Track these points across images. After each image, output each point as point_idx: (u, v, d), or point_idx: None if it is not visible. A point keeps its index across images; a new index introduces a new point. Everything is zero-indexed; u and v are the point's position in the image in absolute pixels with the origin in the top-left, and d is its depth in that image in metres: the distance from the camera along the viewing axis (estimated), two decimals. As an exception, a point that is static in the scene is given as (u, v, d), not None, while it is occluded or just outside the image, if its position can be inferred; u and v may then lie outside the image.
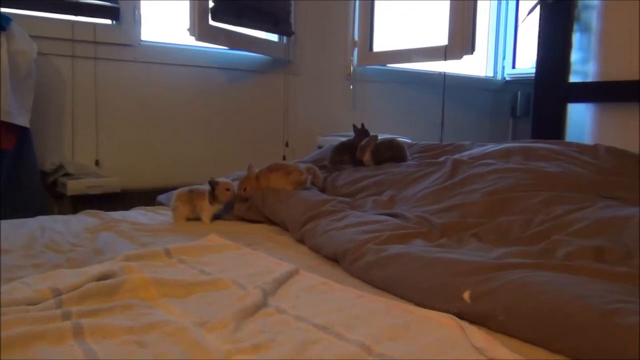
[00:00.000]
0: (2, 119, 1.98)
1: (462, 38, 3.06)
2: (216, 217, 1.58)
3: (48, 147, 2.46)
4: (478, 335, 0.72)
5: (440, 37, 3.17)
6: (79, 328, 0.73)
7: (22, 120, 2.09)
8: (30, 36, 2.18)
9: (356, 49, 3.46)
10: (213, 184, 1.53)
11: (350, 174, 1.82)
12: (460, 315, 0.80)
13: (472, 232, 1.19)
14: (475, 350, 0.69)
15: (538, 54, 2.98)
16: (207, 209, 1.54)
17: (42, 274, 0.98)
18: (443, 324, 0.78)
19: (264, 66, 3.12)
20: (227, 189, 1.55)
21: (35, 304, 0.82)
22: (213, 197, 1.53)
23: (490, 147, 1.83)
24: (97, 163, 2.59)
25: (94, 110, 2.58)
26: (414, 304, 0.88)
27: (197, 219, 1.55)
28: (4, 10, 2.14)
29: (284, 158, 3.09)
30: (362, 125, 2.04)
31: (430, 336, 0.74)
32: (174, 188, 1.71)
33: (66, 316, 0.77)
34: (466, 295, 0.83)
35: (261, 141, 3.12)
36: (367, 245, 1.08)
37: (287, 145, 3.20)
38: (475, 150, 1.84)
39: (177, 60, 2.80)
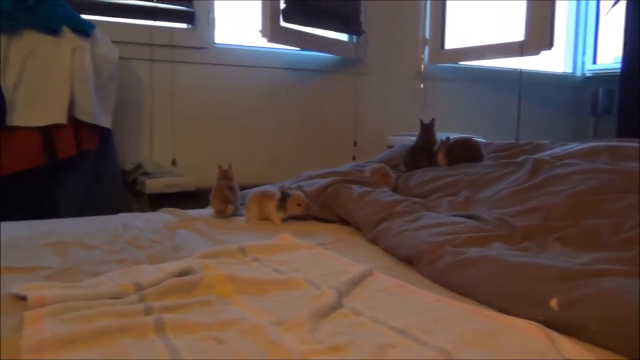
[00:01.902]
0: (87, 120, 2.08)
1: (539, 32, 2.92)
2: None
3: (128, 147, 2.57)
4: (568, 346, 0.67)
5: (515, 32, 3.05)
6: (160, 323, 0.75)
7: (105, 122, 2.19)
8: (112, 41, 2.28)
9: (427, 47, 3.39)
10: (285, 195, 1.54)
11: (423, 174, 1.77)
12: (546, 324, 0.75)
13: (556, 235, 1.13)
14: (566, 362, 0.65)
15: (624, 48, 2.81)
16: (276, 213, 1.54)
17: (125, 268, 1.02)
18: (528, 332, 0.74)
19: (333, 66, 3.13)
20: (298, 204, 1.54)
21: (118, 298, 0.85)
22: (282, 205, 1.54)
23: (574, 147, 1.73)
24: (173, 162, 2.68)
25: (171, 112, 2.67)
26: (494, 309, 0.84)
27: (269, 219, 1.56)
28: (88, 17, 2.24)
29: (353, 158, 3.08)
30: (433, 120, 1.96)
31: (515, 344, 0.70)
32: (246, 188, 1.73)
33: (148, 311, 0.80)
34: (554, 302, 0.78)
35: (330, 141, 3.12)
36: (444, 248, 1.05)
37: (355, 144, 3.19)
38: (557, 150, 1.75)
39: (249, 62, 2.85)
